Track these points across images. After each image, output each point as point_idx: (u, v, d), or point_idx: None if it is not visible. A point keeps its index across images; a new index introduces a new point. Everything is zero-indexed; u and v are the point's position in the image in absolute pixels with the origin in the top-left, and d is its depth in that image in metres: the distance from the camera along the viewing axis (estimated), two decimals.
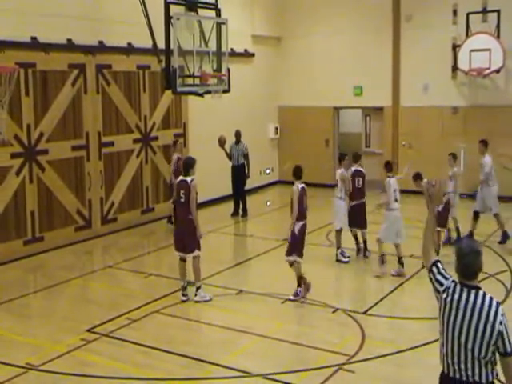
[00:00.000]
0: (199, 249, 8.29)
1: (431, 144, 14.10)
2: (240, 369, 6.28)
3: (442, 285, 3.76)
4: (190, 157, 8.77)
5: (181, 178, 8.39)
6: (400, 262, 9.20)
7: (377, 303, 8.10)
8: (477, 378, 3.61)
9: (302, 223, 8.21)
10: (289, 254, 8.21)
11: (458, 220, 10.71)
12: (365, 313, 7.76)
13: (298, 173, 8.37)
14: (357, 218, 10.00)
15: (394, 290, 8.65)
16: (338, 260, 9.91)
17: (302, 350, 6.79)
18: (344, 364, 6.36)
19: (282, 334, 7.17)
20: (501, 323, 3.57)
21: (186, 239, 8.23)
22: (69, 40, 10.98)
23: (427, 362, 6.45)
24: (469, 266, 3.66)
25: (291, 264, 8.24)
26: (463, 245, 3.73)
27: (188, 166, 8.29)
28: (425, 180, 10.03)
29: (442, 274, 3.80)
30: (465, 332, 3.60)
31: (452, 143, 13.74)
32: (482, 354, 3.57)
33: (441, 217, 9.64)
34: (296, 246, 8.18)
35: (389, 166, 9.64)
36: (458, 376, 3.66)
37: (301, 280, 8.25)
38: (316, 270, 9.49)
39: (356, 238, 10.21)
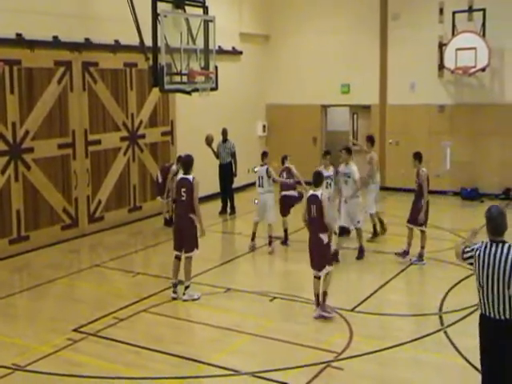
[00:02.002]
0: (198, 247, 8.24)
1: (418, 142, 14.14)
2: (229, 367, 6.27)
3: (474, 251, 4.62)
4: (189, 155, 8.45)
5: (181, 175, 8.37)
6: (269, 241, 10.34)
7: (364, 300, 8.12)
8: (508, 316, 4.49)
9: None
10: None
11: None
12: (352, 310, 7.78)
13: (315, 179, 7.71)
14: (284, 207, 10.68)
15: (382, 287, 8.68)
16: None
17: (291, 348, 6.79)
18: (332, 361, 6.38)
19: (271, 332, 7.16)
20: None
21: (185, 238, 8.17)
22: (55, 37, 10.87)
23: (415, 359, 6.51)
24: (498, 225, 4.57)
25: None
26: (492, 209, 4.63)
27: (188, 164, 8.25)
28: (423, 169, 9.87)
29: (470, 250, 4.67)
30: (496, 276, 4.49)
31: (439, 141, 13.86)
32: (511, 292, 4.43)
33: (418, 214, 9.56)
34: None
35: (264, 155, 10.53)
36: (492, 315, 4.55)
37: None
38: (304, 268, 9.51)
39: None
